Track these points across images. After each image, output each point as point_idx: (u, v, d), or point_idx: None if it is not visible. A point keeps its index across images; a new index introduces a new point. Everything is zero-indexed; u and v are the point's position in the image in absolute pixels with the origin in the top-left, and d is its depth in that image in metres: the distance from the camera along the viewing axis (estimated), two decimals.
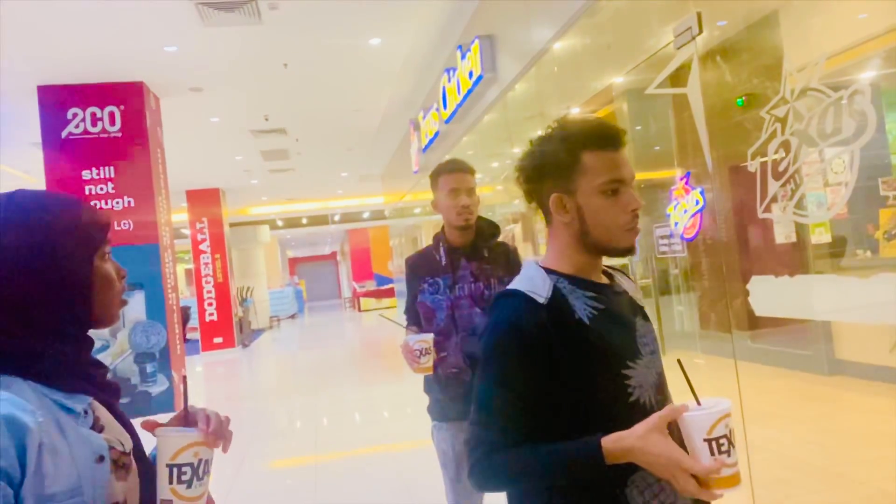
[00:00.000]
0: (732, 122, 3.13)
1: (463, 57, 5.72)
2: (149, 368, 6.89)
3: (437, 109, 6.90)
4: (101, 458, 0.88)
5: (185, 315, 14.75)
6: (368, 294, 21.69)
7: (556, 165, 1.20)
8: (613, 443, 1.03)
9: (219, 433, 0.94)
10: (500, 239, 2.39)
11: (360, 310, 21.68)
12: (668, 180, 3.42)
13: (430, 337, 2.16)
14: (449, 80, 6.27)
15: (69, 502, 0.83)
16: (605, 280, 1.28)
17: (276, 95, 8.00)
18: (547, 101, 5.00)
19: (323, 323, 20.25)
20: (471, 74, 5.57)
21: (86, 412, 0.92)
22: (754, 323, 4.61)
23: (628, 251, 1.24)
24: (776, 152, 2.48)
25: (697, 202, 3.09)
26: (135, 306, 6.88)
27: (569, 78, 4.61)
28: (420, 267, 2.34)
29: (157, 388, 6.92)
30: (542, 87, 4.88)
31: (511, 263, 2.31)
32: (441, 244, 2.30)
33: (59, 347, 0.90)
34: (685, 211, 3.17)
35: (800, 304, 2.71)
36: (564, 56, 4.31)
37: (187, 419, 0.96)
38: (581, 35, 3.90)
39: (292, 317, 21.88)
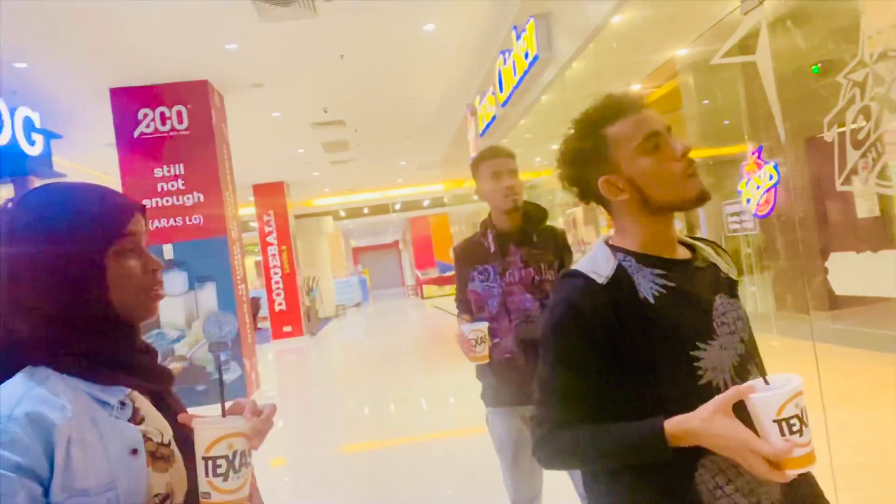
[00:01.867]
0: (806, 91, 2.95)
1: (518, 37, 5.62)
2: (222, 357, 7.15)
3: (494, 93, 6.83)
4: (135, 451, 0.87)
5: (255, 305, 15.26)
6: (431, 281, 21.84)
7: (586, 155, 1.18)
8: (677, 425, 1.00)
9: (259, 428, 0.92)
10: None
11: (423, 297, 21.87)
12: (739, 156, 3.27)
13: (484, 326, 2.16)
14: (504, 63, 6.18)
15: (103, 496, 0.83)
16: (682, 255, 1.20)
17: (334, 87, 8.10)
18: (606, 79, 4.86)
19: (387, 310, 20.54)
20: (526, 55, 5.48)
21: (123, 404, 0.91)
22: (834, 302, 4.37)
23: (700, 198, 1.16)
24: (855, 120, 2.32)
25: (771, 177, 2.94)
26: (207, 297, 7.15)
27: (628, 53, 4.45)
28: (469, 255, 2.33)
29: (230, 376, 7.19)
30: (600, 64, 4.75)
31: (560, 247, 2.29)
32: (489, 231, 2.29)
33: (87, 340, 0.90)
34: (758, 187, 3.02)
35: (884, 281, 2.54)
36: (623, 30, 4.17)
37: (223, 409, 0.94)
38: (640, 7, 3.76)
39: (357, 305, 22.28)
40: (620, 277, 1.14)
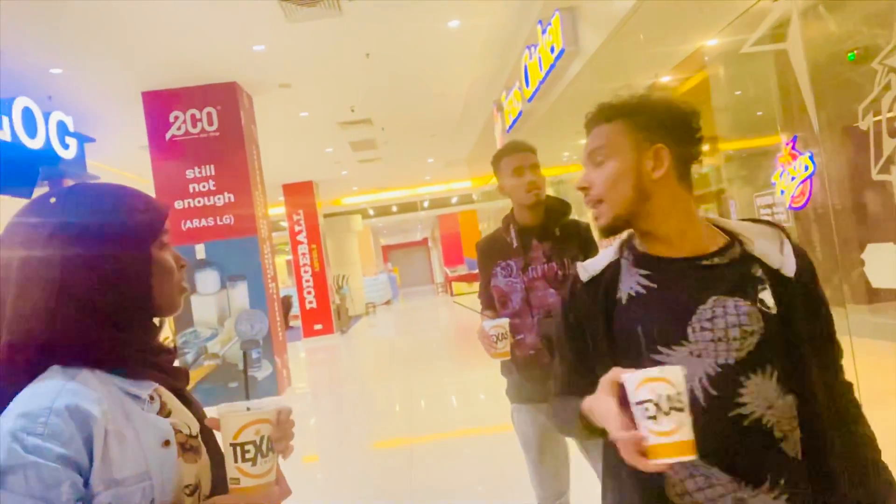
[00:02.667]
0: (841, 79, 2.86)
1: (544, 32, 5.58)
2: (254, 354, 7.25)
3: (520, 88, 6.79)
4: (168, 443, 0.89)
5: (286, 304, 15.45)
6: (460, 278, 21.84)
7: (671, 118, 1.15)
8: (585, 402, 1.04)
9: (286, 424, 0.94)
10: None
11: (452, 294, 21.88)
12: (771, 147, 3.19)
13: (505, 322, 2.14)
14: (530, 57, 6.14)
15: (138, 486, 0.85)
16: (699, 249, 1.12)
17: (361, 86, 8.14)
18: (633, 71, 4.79)
19: (417, 308, 20.60)
20: (552, 49, 5.43)
21: (152, 398, 0.93)
22: (873, 295, 4.24)
23: None
24: (891, 108, 2.25)
25: (807, 168, 2.86)
26: (238, 296, 7.25)
27: (656, 44, 4.37)
28: (492, 251, 2.31)
29: (262, 373, 7.28)
30: (627, 56, 4.68)
31: (584, 241, 2.26)
32: (511, 226, 2.27)
33: (123, 336, 0.92)
34: (793, 178, 2.95)
35: None
36: (650, 21, 4.10)
37: (248, 396, 0.96)
38: None
39: (387, 303, 22.39)
40: (608, 275, 1.16)
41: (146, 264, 0.94)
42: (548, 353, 2.16)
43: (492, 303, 2.33)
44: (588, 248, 2.24)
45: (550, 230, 2.22)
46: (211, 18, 5.61)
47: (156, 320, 0.99)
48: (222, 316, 7.23)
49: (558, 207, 2.29)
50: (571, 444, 2.28)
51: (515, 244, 2.23)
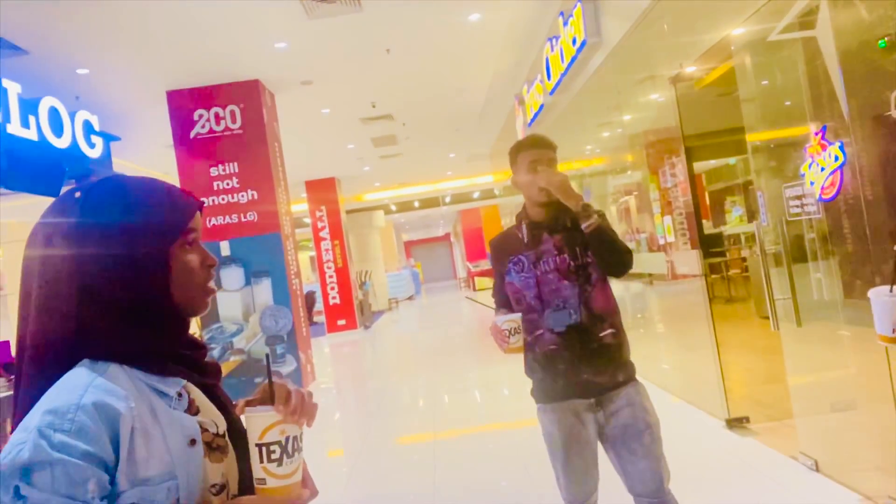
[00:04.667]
0: (872, 66, 2.79)
1: (565, 23, 5.52)
2: (278, 350, 7.32)
3: (541, 81, 6.73)
4: (194, 442, 0.89)
5: (310, 300, 15.56)
6: (483, 273, 21.81)
7: None
8: None
9: (299, 410, 0.92)
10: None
11: (475, 289, 21.87)
12: (800, 138, 3.11)
13: (517, 316, 2.08)
14: (552, 50, 6.08)
15: (163, 485, 0.84)
16: None
17: (381, 82, 8.14)
18: (657, 62, 4.71)
19: (440, 303, 20.62)
20: (574, 41, 5.37)
21: (179, 395, 0.92)
22: None
23: None
24: None
25: (837, 158, 2.79)
26: (262, 292, 7.32)
27: (680, 34, 4.29)
28: (504, 247, 2.27)
29: (286, 368, 7.35)
30: (651, 46, 4.60)
31: None
32: (522, 222, 2.24)
33: (149, 332, 0.91)
34: (822, 169, 2.88)
35: None
36: (674, 10, 4.03)
37: (273, 396, 0.94)
38: None
39: (410, 298, 22.45)
40: None
41: (163, 264, 0.93)
42: (567, 347, 2.10)
43: (507, 302, 2.28)
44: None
45: (561, 221, 2.17)
46: (233, 17, 5.65)
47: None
48: (247, 312, 7.31)
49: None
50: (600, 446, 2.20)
51: (526, 239, 2.20)
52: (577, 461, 2.14)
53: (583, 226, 2.07)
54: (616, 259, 2.11)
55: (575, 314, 2.09)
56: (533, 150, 2.19)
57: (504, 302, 2.30)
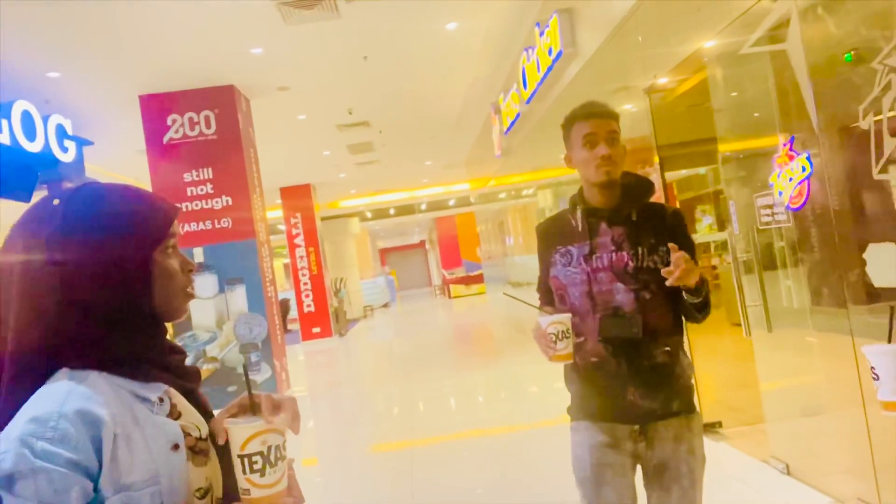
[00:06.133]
0: (840, 80, 2.87)
1: (541, 34, 5.58)
2: (253, 358, 7.23)
3: (517, 90, 6.79)
4: (177, 447, 0.89)
5: (285, 307, 15.41)
6: (458, 281, 21.85)
7: None
8: None
9: (284, 418, 0.92)
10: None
11: (450, 296, 21.88)
12: (771, 148, 3.19)
13: (566, 318, 1.77)
14: (528, 59, 6.15)
15: (147, 491, 0.84)
16: None
17: (358, 89, 8.14)
18: (631, 72, 4.79)
19: (415, 310, 20.59)
20: (550, 51, 5.43)
21: (161, 400, 0.92)
22: (874, 295, 4.24)
23: None
24: (892, 107, 2.25)
25: (804, 168, 2.87)
26: (237, 300, 7.23)
27: (654, 45, 4.37)
28: (552, 234, 1.93)
29: (261, 377, 7.27)
30: (625, 57, 4.68)
31: (669, 229, 1.84)
32: (577, 207, 1.88)
33: (129, 338, 0.91)
34: (790, 179, 2.95)
35: None
36: (648, 22, 4.10)
37: (252, 406, 0.94)
38: None
39: (385, 305, 22.37)
40: None
41: (146, 270, 0.93)
42: (613, 360, 1.79)
43: (550, 297, 1.96)
44: (676, 239, 1.76)
45: (625, 212, 1.83)
46: (208, 21, 5.60)
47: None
48: (221, 319, 7.21)
49: (637, 187, 1.89)
50: (638, 477, 1.88)
51: (580, 227, 1.85)
52: (609, 494, 1.81)
53: (693, 301, 1.77)
54: (704, 316, 1.86)
55: (634, 323, 1.77)
56: (591, 121, 1.85)
57: (548, 298, 1.99)
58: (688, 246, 1.80)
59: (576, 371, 1.88)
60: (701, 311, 1.82)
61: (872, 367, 1.32)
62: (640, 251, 1.79)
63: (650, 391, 1.78)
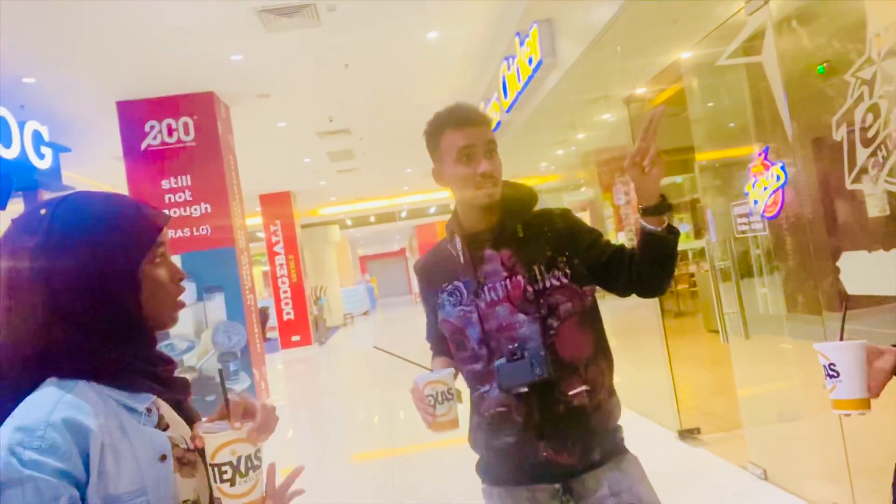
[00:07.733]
0: (813, 91, 2.93)
1: (522, 43, 5.63)
2: (232, 367, 7.16)
3: (498, 99, 6.84)
4: (164, 457, 0.88)
5: (264, 315, 15.28)
6: None
7: None
8: None
9: (249, 427, 0.91)
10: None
11: None
12: (746, 158, 3.25)
13: (446, 375, 1.50)
14: (508, 69, 6.20)
15: (134, 501, 0.83)
16: None
17: (339, 96, 8.13)
18: (610, 82, 4.85)
19: (395, 318, 20.52)
20: (530, 61, 5.48)
21: (149, 410, 0.91)
22: (849, 304, 4.33)
23: None
24: (864, 118, 2.31)
25: (778, 178, 2.92)
26: (215, 308, 7.16)
27: (632, 56, 4.44)
28: (434, 271, 1.63)
29: (240, 386, 7.19)
30: (604, 67, 4.74)
31: (566, 231, 1.54)
32: (454, 234, 1.58)
33: (117, 349, 0.90)
34: (765, 188, 3.01)
35: None
36: (627, 33, 4.16)
37: (229, 414, 0.94)
38: (643, 10, 3.75)
39: (365, 313, 22.29)
40: None
41: (135, 280, 0.92)
42: (524, 408, 1.48)
43: (444, 345, 1.67)
44: (574, 239, 1.53)
45: (510, 230, 1.53)
46: (188, 28, 5.57)
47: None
48: (199, 328, 7.13)
49: (518, 197, 1.58)
50: None
51: (463, 258, 1.55)
52: None
53: (651, 228, 1.41)
54: (669, 271, 1.48)
55: (536, 363, 1.45)
56: (465, 130, 1.53)
57: (441, 347, 1.70)
58: (595, 234, 1.55)
59: (480, 428, 1.57)
60: (668, 248, 1.43)
61: (830, 365, 1.23)
62: (536, 270, 1.49)
63: (564, 443, 1.47)
